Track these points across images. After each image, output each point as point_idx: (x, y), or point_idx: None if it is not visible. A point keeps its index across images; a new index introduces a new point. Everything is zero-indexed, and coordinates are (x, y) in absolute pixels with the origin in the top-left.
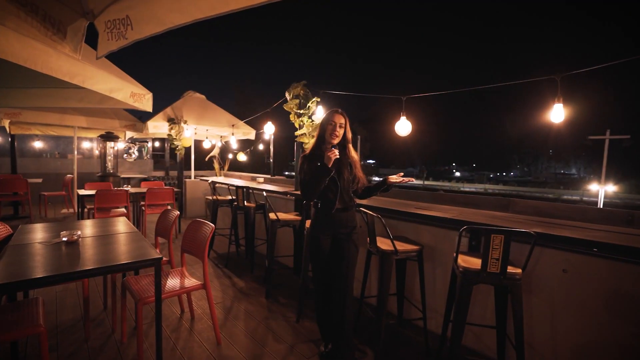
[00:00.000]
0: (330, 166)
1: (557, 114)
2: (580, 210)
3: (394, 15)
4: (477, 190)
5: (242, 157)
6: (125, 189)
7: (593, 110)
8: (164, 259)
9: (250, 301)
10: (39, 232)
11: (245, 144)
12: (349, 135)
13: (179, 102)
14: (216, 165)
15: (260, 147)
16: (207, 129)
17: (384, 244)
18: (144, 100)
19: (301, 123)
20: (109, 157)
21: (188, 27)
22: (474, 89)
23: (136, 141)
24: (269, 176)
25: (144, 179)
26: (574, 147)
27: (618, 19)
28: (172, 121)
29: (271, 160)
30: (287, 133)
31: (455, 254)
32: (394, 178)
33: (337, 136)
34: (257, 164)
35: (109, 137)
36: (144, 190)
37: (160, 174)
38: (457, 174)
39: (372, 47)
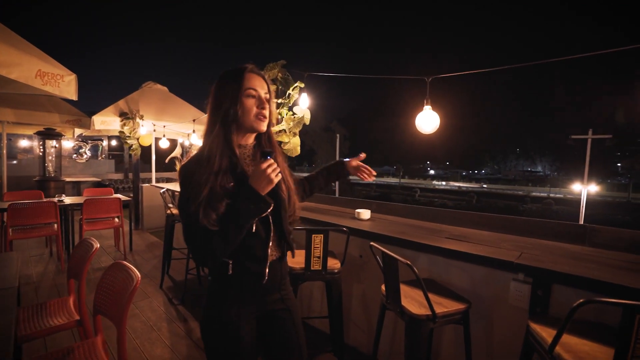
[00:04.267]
0: (264, 195)
1: None
2: None
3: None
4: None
5: None
6: (56, 199)
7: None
8: (73, 319)
9: None
10: None
11: None
12: (275, 117)
13: (135, 94)
14: (178, 168)
15: None
16: (165, 125)
17: (411, 301)
18: (62, 83)
19: (279, 116)
20: (50, 158)
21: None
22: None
23: (88, 139)
24: None
25: (99, 183)
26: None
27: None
28: (124, 116)
29: None
30: None
31: (553, 341)
32: (355, 162)
33: (265, 117)
34: None
35: (48, 134)
36: (81, 201)
37: (119, 176)
38: (432, 172)
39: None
